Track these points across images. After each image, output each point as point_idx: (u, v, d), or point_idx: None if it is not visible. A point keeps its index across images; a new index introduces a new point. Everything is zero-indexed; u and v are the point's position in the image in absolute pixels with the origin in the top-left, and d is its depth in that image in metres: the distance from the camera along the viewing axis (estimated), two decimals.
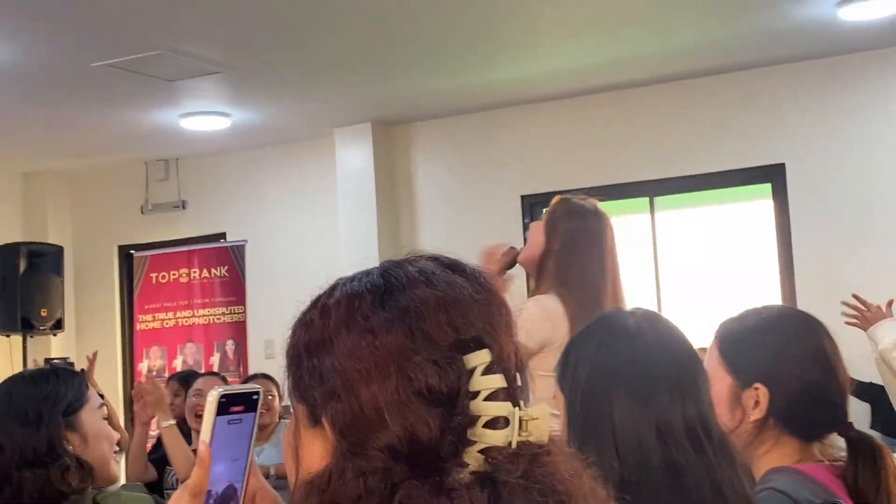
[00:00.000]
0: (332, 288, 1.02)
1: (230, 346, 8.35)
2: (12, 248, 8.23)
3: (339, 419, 0.95)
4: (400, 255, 1.07)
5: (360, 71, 6.58)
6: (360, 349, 0.95)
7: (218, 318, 8.43)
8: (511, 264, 3.37)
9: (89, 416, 2.26)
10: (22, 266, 8.16)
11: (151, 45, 5.77)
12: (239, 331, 8.33)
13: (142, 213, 9.03)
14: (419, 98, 7.32)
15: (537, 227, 3.26)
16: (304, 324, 1.01)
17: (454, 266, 1.03)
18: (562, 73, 6.84)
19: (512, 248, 3.38)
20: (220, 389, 1.03)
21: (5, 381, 2.30)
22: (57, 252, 8.47)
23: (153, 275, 8.65)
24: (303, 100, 7.20)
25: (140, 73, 6.24)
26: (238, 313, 8.36)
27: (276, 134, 8.12)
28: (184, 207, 8.90)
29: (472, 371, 0.95)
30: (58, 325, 8.33)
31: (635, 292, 7.25)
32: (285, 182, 8.48)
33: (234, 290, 8.40)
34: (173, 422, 4.55)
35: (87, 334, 9.03)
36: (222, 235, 8.73)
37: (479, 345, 0.96)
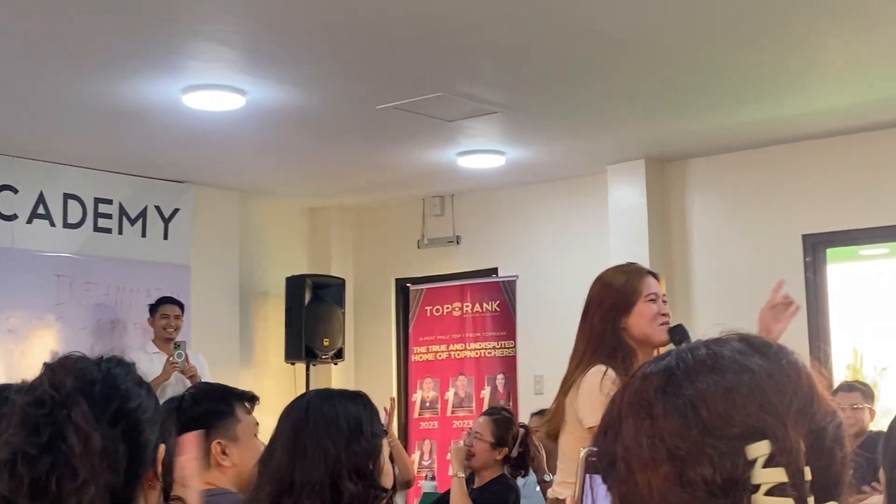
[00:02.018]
0: (640, 368, 1.04)
1: (500, 380, 8.53)
2: (299, 280, 8.73)
3: (624, 502, 0.98)
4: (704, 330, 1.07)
5: (634, 108, 6.62)
6: (640, 434, 0.97)
7: (489, 353, 8.63)
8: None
9: (384, 450, 2.27)
10: (307, 297, 8.66)
11: (433, 87, 6.03)
12: (509, 365, 8.50)
13: (418, 247, 9.37)
14: (695, 134, 7.28)
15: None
16: (611, 402, 1.04)
17: (757, 346, 1.01)
18: (848, 108, 6.64)
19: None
20: (589, 448, 1.07)
21: (313, 396, 2.33)
22: (339, 284, 8.92)
23: (428, 308, 8.97)
24: (576, 137, 7.31)
25: (422, 115, 6.52)
26: (508, 348, 8.53)
27: (549, 171, 8.27)
28: (458, 242, 9.19)
29: (754, 462, 0.94)
30: (338, 355, 8.76)
31: None
32: (557, 219, 8.61)
33: (505, 324, 8.58)
34: (462, 475, 4.80)
35: (364, 364, 9.46)
36: (494, 270, 8.93)
37: (759, 435, 0.94)
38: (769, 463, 0.94)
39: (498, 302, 8.61)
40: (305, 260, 9.45)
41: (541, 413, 5.71)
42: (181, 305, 7.39)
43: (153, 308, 7.36)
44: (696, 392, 0.97)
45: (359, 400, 2.32)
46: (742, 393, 0.97)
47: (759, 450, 0.94)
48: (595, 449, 1.04)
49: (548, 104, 6.47)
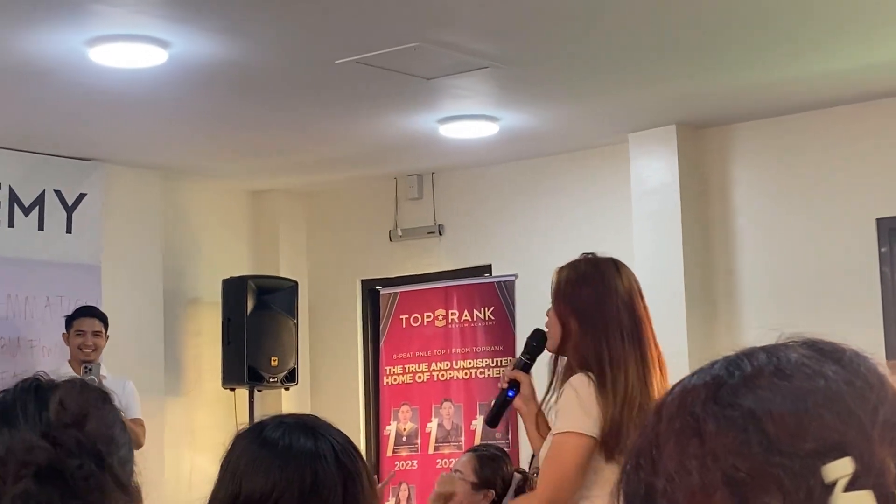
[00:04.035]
0: (676, 384, 1.05)
1: None
2: (239, 283, 8.71)
3: None
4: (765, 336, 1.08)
5: (662, 62, 6.62)
6: (686, 457, 0.98)
7: (481, 372, 8.63)
8: (538, 350, 3.99)
9: None
10: (250, 305, 8.65)
11: (407, 36, 6.01)
12: None
13: (390, 240, 9.37)
14: (738, 94, 7.29)
15: (550, 313, 3.85)
16: (642, 428, 1.05)
17: (828, 352, 1.03)
18: None
19: (537, 329, 3.99)
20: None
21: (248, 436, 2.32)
22: (290, 288, 8.91)
23: (403, 317, 8.95)
24: (589, 99, 7.31)
25: (392, 71, 6.51)
26: (506, 366, 8.55)
27: (554, 142, 8.27)
28: (440, 233, 9.19)
29: (833, 486, 0.94)
30: (290, 378, 8.75)
31: None
32: (565, 202, 8.61)
33: (502, 336, 8.58)
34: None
35: (323, 389, 9.44)
36: (487, 268, 8.93)
37: (838, 451, 0.95)
38: (852, 485, 0.94)
39: (492, 308, 8.61)
40: (247, 258, 9.45)
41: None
42: (103, 318, 7.41)
43: (68, 321, 7.38)
44: (757, 401, 0.98)
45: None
46: (816, 401, 0.98)
47: (840, 469, 0.94)
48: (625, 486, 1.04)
49: (551, 56, 6.48)
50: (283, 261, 9.47)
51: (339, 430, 2.36)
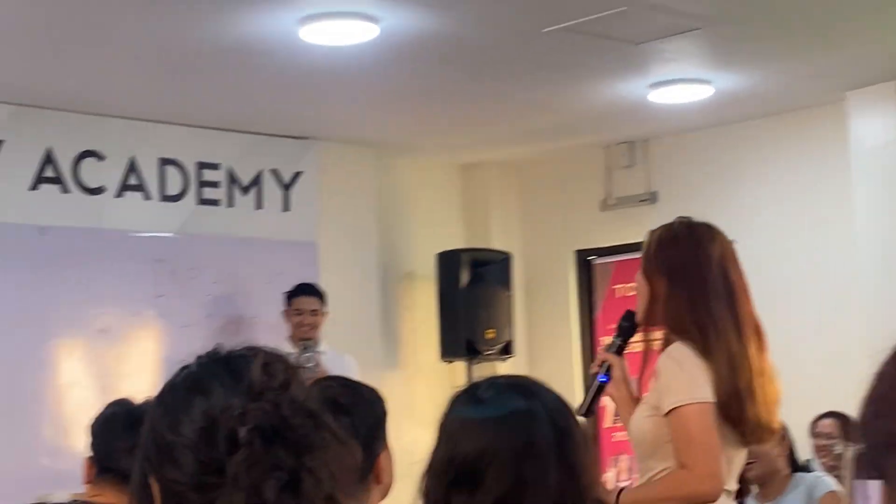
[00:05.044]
0: None
1: None
2: (453, 257, 8.81)
3: None
4: None
5: (882, 13, 6.47)
6: None
7: None
8: (630, 330, 3.82)
9: None
10: (464, 278, 8.74)
11: (614, 0, 6.01)
12: None
13: (602, 209, 9.35)
14: None
15: (638, 277, 3.70)
16: (879, 376, 1.07)
17: None
18: None
19: (628, 310, 3.83)
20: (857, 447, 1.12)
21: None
22: (503, 260, 8.97)
23: (618, 287, 8.92)
24: (805, 57, 7.19)
25: (600, 37, 6.51)
26: None
27: (769, 103, 8.13)
28: (654, 201, 9.12)
29: None
30: (506, 350, 8.81)
31: None
32: (782, 163, 8.46)
33: None
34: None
35: (540, 361, 9.47)
36: None
37: None
38: None
39: None
40: (460, 231, 9.54)
41: (833, 416, 6.19)
42: (320, 296, 7.60)
43: (288, 299, 7.57)
44: None
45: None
46: None
47: None
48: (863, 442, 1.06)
49: (764, 12, 6.40)
50: (496, 233, 9.53)
51: (551, 389, 2.36)
